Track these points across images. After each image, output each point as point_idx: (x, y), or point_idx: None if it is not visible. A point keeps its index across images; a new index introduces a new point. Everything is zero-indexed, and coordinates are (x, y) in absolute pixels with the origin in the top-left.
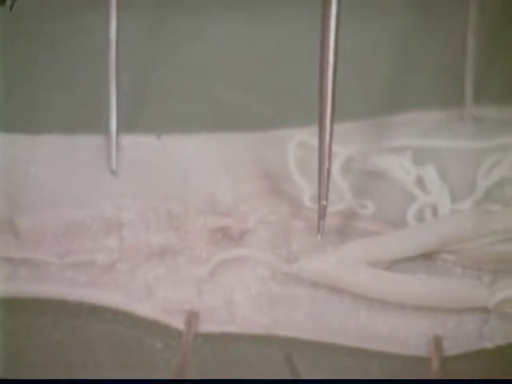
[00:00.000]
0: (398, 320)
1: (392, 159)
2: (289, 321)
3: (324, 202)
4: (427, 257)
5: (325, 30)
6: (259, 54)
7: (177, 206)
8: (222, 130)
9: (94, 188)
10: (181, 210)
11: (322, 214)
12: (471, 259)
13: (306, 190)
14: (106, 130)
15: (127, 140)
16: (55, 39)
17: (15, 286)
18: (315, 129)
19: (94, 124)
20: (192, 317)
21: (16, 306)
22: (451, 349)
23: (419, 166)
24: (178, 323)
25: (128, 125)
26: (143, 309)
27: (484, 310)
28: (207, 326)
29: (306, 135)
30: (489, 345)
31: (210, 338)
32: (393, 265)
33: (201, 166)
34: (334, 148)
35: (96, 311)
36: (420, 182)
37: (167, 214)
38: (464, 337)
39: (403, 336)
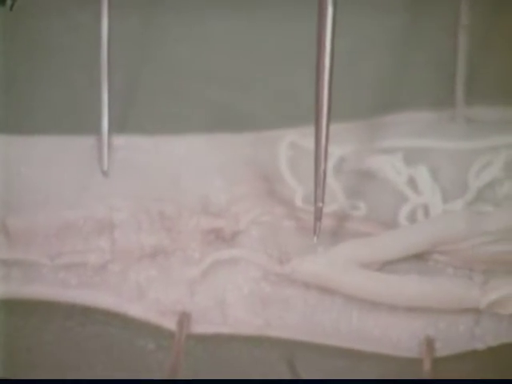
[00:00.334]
0: (389, 321)
1: (384, 159)
2: (281, 322)
3: (320, 204)
4: (419, 257)
5: (321, 33)
6: (251, 55)
7: (169, 206)
8: (215, 131)
9: (86, 189)
10: (173, 210)
11: (319, 215)
12: (463, 260)
13: (298, 191)
14: (97, 131)
15: (119, 140)
16: (47, 40)
17: (7, 287)
18: (307, 129)
19: (86, 125)
20: (184, 318)
21: (8, 307)
22: (443, 350)
23: (411, 166)
24: (170, 324)
25: (120, 125)
26: (135, 310)
27: (476, 311)
28: (199, 327)
29: (298, 136)
30: (480, 346)
31: (202, 338)
32: (385, 266)
33: (193, 167)
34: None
35: (88, 312)
36: (412, 183)
37: (159, 215)
38: (456, 338)
39: (395, 337)
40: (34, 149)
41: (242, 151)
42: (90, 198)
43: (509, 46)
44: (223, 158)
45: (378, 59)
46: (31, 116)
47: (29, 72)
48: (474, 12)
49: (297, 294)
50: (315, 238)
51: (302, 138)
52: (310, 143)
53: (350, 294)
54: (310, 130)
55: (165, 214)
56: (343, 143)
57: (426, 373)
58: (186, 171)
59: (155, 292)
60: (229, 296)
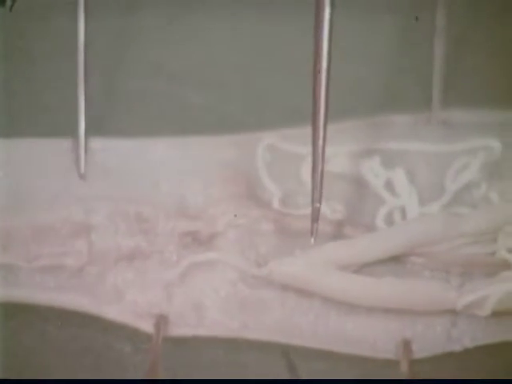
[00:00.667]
0: (367, 323)
1: (361, 162)
2: (259, 324)
3: (318, 205)
4: (396, 260)
5: (318, 37)
6: (229, 57)
7: (146, 209)
8: (192, 133)
9: (63, 191)
10: (150, 213)
11: (316, 216)
12: (440, 262)
13: (276, 194)
14: (74, 134)
15: (96, 143)
16: (24, 43)
17: None
18: (284, 132)
19: (63, 127)
20: (161, 320)
21: None
22: (420, 352)
23: (388, 169)
24: (148, 327)
25: (97, 128)
26: (112, 312)
27: (452, 313)
28: (177, 330)
29: (276, 138)
30: (457, 348)
31: (179, 341)
32: (363, 268)
33: (170, 170)
34: (304, 151)
35: (65, 315)
36: (389, 186)
37: (136, 218)
38: (433, 340)
39: (373, 339)
40: (10, 152)
41: (220, 154)
42: (67, 201)
43: (484, 50)
44: (200, 160)
45: (354, 63)
46: (8, 119)
47: (5, 75)
48: (449, 17)
49: (274, 296)
50: (312, 240)
51: (281, 140)
52: (288, 146)
53: (328, 296)
54: (290, 133)
55: (142, 217)
56: None
57: (404, 374)
58: (163, 174)
59: (132, 294)
60: (206, 298)
